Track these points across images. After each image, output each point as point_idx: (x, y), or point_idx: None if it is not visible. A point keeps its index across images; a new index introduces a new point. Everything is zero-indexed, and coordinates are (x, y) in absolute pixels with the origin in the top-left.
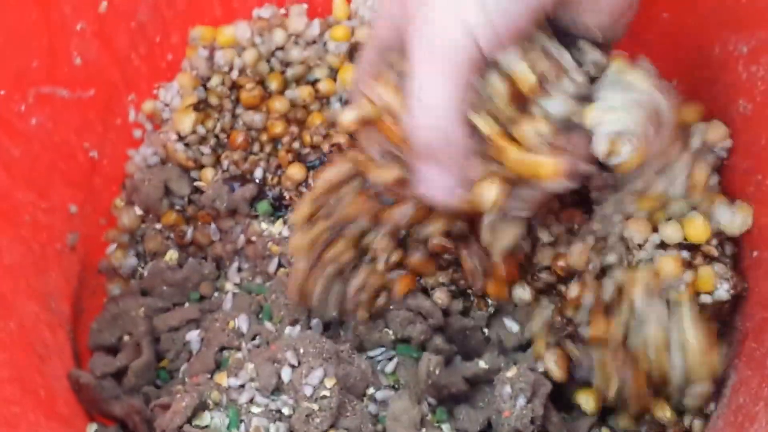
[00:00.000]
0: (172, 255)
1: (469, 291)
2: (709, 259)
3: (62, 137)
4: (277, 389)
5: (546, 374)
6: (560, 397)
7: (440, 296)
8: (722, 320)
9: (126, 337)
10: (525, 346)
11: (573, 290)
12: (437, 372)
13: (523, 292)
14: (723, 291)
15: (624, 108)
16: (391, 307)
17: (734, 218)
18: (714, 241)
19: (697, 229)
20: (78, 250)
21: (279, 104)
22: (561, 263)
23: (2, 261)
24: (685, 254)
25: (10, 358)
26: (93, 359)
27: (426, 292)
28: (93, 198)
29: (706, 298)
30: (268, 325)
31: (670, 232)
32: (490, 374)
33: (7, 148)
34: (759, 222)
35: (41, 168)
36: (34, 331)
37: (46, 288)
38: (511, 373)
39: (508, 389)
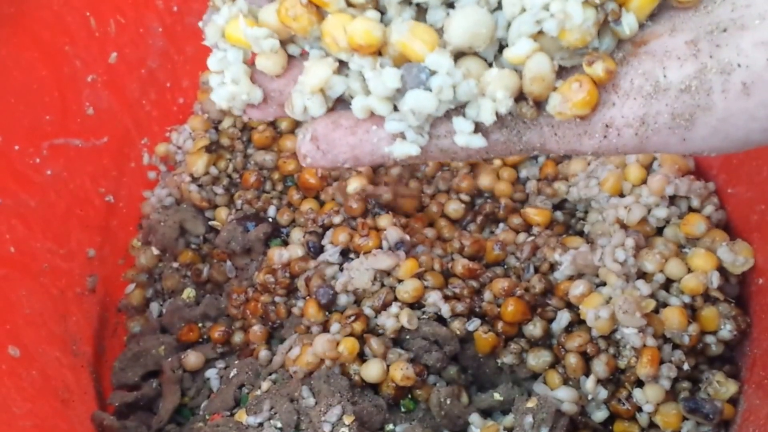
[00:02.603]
0: (189, 293)
1: (486, 319)
2: (714, 299)
3: (77, 184)
4: (297, 427)
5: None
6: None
7: (458, 326)
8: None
9: (151, 379)
10: (537, 375)
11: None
12: (448, 402)
13: (533, 329)
14: (726, 331)
15: None
16: (408, 336)
17: (736, 259)
18: (717, 279)
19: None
20: (97, 291)
21: (290, 143)
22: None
23: (23, 311)
24: (688, 299)
25: (33, 407)
26: (112, 394)
27: (443, 320)
28: (110, 240)
29: (710, 339)
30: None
31: (674, 269)
32: (504, 405)
33: (23, 200)
34: (763, 251)
35: (58, 216)
36: (57, 377)
37: (67, 332)
38: (531, 403)
39: (529, 419)
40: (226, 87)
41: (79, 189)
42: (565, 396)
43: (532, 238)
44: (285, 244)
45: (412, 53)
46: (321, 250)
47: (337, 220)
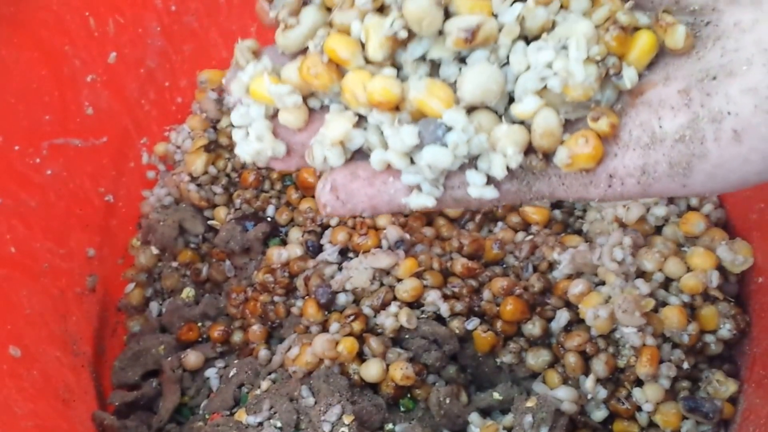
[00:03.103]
0: (188, 292)
1: (485, 318)
2: (713, 298)
3: (77, 184)
4: (296, 427)
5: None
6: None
7: (457, 325)
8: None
9: (151, 379)
10: (536, 374)
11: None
12: (447, 401)
13: (533, 328)
14: (726, 330)
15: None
16: (407, 336)
17: (736, 257)
18: (716, 278)
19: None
20: (97, 291)
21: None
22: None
23: (23, 311)
24: (687, 298)
25: (35, 407)
26: (112, 393)
27: (442, 319)
28: (110, 240)
29: (710, 338)
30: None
31: (673, 268)
32: (504, 404)
33: (23, 200)
34: (763, 249)
35: (58, 216)
36: (58, 377)
37: (67, 332)
38: (531, 403)
39: (529, 419)
40: (251, 144)
41: (78, 189)
42: (564, 395)
43: (530, 236)
44: (284, 243)
45: (429, 110)
46: (320, 249)
47: (335, 219)
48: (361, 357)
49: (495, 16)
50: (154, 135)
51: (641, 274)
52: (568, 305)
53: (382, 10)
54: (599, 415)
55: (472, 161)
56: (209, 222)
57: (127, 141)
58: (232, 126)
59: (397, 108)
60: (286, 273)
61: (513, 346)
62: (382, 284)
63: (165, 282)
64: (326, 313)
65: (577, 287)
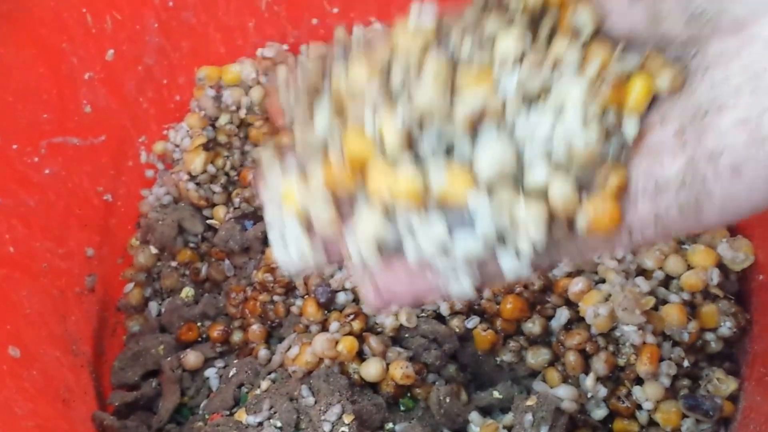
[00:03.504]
0: (188, 292)
1: (485, 316)
2: (714, 296)
3: (76, 183)
4: (296, 426)
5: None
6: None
7: (457, 323)
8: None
9: (151, 379)
10: (536, 372)
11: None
12: (447, 400)
13: (533, 327)
14: (726, 328)
15: None
16: (407, 335)
17: (737, 255)
18: (717, 276)
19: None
20: (96, 291)
21: (287, 139)
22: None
23: (23, 311)
24: (687, 296)
25: (35, 408)
26: (112, 394)
27: (442, 318)
28: (109, 239)
29: (710, 336)
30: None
31: (674, 266)
32: (504, 403)
33: (22, 199)
34: (764, 247)
35: (57, 215)
36: (58, 377)
37: (67, 332)
38: (531, 401)
39: (529, 418)
40: (294, 260)
41: (77, 188)
42: (564, 394)
43: None
44: None
45: (452, 199)
46: None
47: None
48: (361, 356)
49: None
50: (153, 133)
51: (641, 271)
52: (568, 303)
53: (391, 101)
54: (599, 413)
55: (499, 240)
56: (208, 221)
57: (126, 139)
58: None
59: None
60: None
61: (513, 345)
62: None
63: (164, 281)
64: (326, 312)
65: (577, 285)
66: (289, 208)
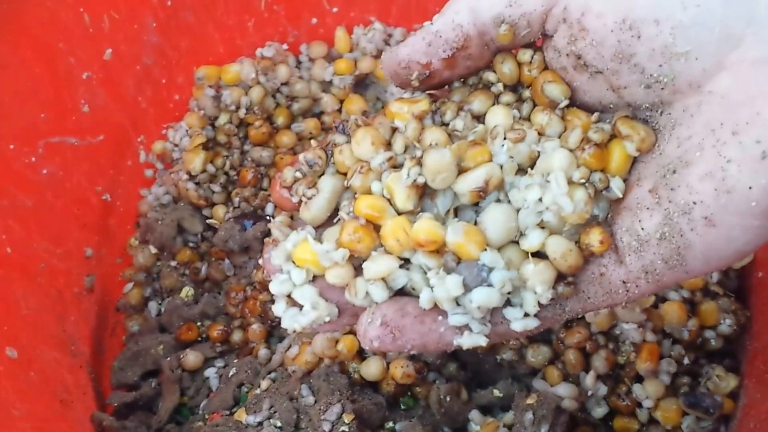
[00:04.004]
0: (187, 291)
1: None
2: (713, 294)
3: (74, 183)
4: (296, 426)
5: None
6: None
7: None
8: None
9: (150, 379)
10: (536, 371)
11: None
12: (448, 399)
13: None
14: (726, 326)
15: None
16: None
17: None
18: (716, 273)
19: None
20: (95, 291)
21: (287, 138)
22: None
23: (20, 312)
24: (687, 294)
25: (32, 409)
26: (111, 394)
27: None
28: (108, 239)
29: (710, 333)
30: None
31: None
32: (504, 402)
33: (20, 200)
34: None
35: (55, 215)
36: (56, 378)
37: (65, 332)
38: (531, 400)
39: (529, 416)
40: (307, 314)
41: (75, 188)
42: (564, 392)
43: None
44: None
45: (466, 253)
46: None
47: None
48: (361, 355)
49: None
50: (152, 133)
51: None
52: None
53: (395, 167)
54: (599, 411)
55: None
56: (208, 221)
57: (125, 139)
58: (230, 123)
59: (437, 250)
60: None
61: (513, 343)
62: None
63: (164, 281)
64: None
65: None
66: (303, 268)
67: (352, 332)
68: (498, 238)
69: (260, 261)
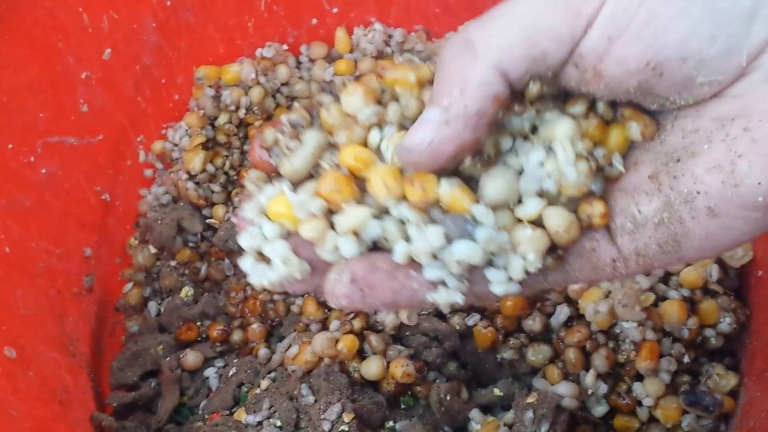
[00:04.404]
0: (187, 291)
1: (485, 314)
2: (713, 292)
3: (73, 183)
4: (296, 426)
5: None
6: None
7: (457, 321)
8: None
9: (150, 379)
10: (536, 370)
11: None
12: (448, 398)
13: (533, 324)
14: (726, 324)
15: None
16: (408, 333)
17: (735, 252)
18: (716, 272)
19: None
20: (95, 291)
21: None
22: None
23: (19, 312)
24: (687, 293)
25: (31, 409)
26: (111, 394)
27: (442, 316)
28: (107, 239)
29: (710, 332)
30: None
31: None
32: (504, 401)
33: (18, 199)
34: (762, 243)
35: (54, 215)
36: (55, 378)
37: (64, 332)
38: (532, 399)
39: (530, 415)
40: (277, 269)
41: (74, 188)
42: (565, 391)
43: None
44: None
45: (459, 206)
46: None
47: None
48: (361, 355)
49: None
50: (151, 133)
51: None
52: (568, 300)
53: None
54: (600, 410)
55: (493, 258)
56: (208, 220)
57: (124, 139)
58: (229, 122)
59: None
60: None
61: (513, 342)
62: None
63: (163, 281)
64: (326, 310)
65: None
66: (277, 220)
67: (353, 332)
68: (496, 198)
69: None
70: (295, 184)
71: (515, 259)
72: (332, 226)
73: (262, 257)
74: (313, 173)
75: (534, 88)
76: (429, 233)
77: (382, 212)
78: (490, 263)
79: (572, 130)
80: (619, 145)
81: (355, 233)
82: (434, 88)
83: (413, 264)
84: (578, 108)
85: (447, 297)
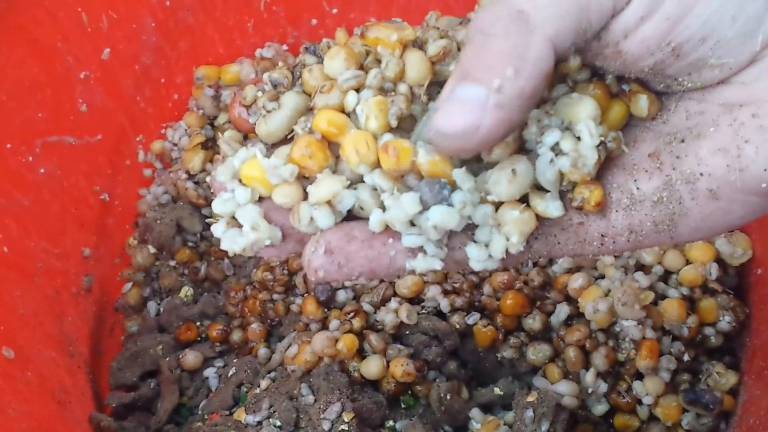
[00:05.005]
0: (187, 291)
1: (485, 312)
2: (712, 291)
3: (72, 183)
4: (296, 425)
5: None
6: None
7: (457, 320)
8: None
9: (149, 379)
10: (536, 368)
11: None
12: (448, 397)
13: (533, 323)
14: (725, 323)
15: None
16: (407, 332)
17: (735, 250)
18: (715, 270)
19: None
20: (94, 291)
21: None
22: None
23: (17, 312)
24: (686, 291)
25: (29, 410)
26: (110, 395)
27: (442, 315)
28: (106, 239)
29: (709, 330)
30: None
31: (672, 261)
32: (505, 400)
33: (17, 199)
34: (762, 241)
35: (52, 215)
36: (53, 378)
37: (63, 332)
38: (532, 398)
39: (530, 414)
40: (246, 235)
41: (73, 187)
42: (565, 390)
43: None
44: None
45: (440, 170)
46: None
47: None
48: (361, 354)
49: None
50: (151, 132)
51: (640, 267)
52: (568, 299)
53: (358, 90)
54: (600, 409)
55: (468, 229)
56: (207, 220)
57: (123, 138)
58: (229, 122)
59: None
60: (285, 270)
61: (513, 341)
62: (381, 280)
63: (163, 281)
64: (326, 310)
65: (576, 281)
66: (249, 184)
67: (353, 331)
68: (513, 193)
69: (209, 179)
70: (271, 148)
71: (498, 239)
72: (306, 196)
73: (235, 222)
74: (289, 137)
75: (575, 62)
76: (404, 200)
77: (357, 180)
78: (472, 239)
79: (596, 111)
80: (618, 121)
81: (329, 203)
82: (472, 62)
83: (390, 232)
84: (582, 76)
85: (426, 264)
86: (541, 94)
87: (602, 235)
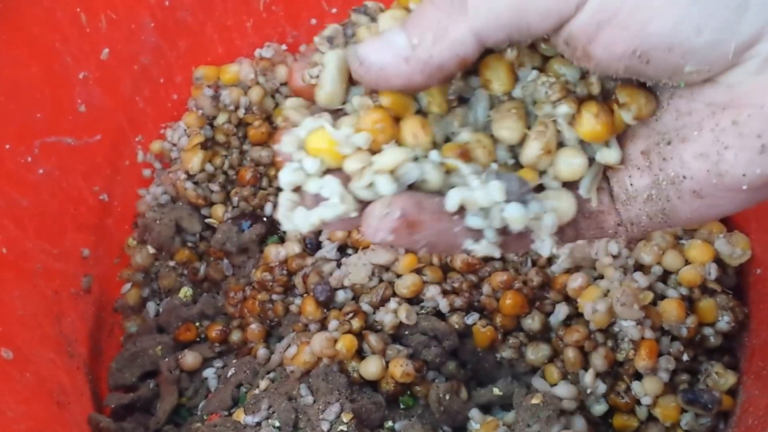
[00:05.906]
0: (186, 291)
1: (484, 312)
2: (711, 291)
3: (70, 183)
4: (295, 426)
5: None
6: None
7: (456, 320)
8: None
9: (148, 380)
10: (535, 368)
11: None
12: (447, 398)
13: (532, 323)
14: (724, 323)
15: None
16: (407, 332)
17: (734, 250)
18: (714, 270)
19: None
20: (93, 291)
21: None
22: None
23: (16, 313)
24: (685, 291)
25: (28, 410)
26: (109, 395)
27: (441, 315)
28: (105, 239)
29: (708, 331)
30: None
31: (671, 261)
32: (504, 400)
33: (15, 199)
34: (761, 241)
35: (51, 215)
36: (52, 379)
37: (62, 333)
38: (537, 400)
39: (532, 415)
40: (335, 207)
41: (72, 188)
42: (564, 393)
43: None
44: (282, 240)
45: (530, 174)
46: (318, 246)
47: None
48: (360, 354)
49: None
50: (150, 132)
51: (639, 267)
52: (567, 299)
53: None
54: (599, 409)
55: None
56: (207, 220)
57: (122, 139)
58: (228, 122)
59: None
60: (285, 271)
61: (512, 341)
62: (381, 280)
63: (162, 281)
64: (325, 310)
65: (575, 281)
66: (316, 155)
67: (352, 331)
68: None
69: (275, 147)
70: (333, 114)
71: (545, 243)
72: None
73: (302, 198)
74: (345, 109)
75: (511, 54)
76: (492, 187)
77: (421, 155)
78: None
79: (599, 109)
80: (619, 126)
81: (393, 173)
82: (413, 14)
83: (461, 215)
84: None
85: (485, 250)
86: (453, 74)
87: (617, 224)
